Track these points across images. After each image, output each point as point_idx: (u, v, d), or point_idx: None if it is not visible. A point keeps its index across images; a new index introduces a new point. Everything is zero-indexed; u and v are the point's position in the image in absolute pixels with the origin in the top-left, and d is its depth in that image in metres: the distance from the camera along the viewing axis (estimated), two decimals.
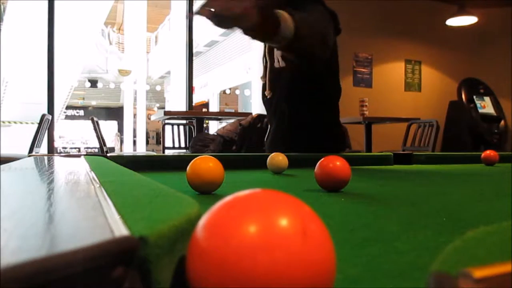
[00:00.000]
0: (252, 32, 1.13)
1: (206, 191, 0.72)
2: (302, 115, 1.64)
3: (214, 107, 14.24)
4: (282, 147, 1.56)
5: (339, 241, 0.37)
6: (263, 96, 1.76)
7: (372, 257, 0.33)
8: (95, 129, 3.67)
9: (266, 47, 1.68)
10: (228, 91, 14.40)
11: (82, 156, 1.02)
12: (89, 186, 0.39)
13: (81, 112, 18.97)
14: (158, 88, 16.80)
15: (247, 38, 1.19)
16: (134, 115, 14.61)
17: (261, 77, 1.78)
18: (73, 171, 0.62)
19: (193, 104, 5.13)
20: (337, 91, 1.70)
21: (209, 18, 1.03)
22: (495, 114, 5.58)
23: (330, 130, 1.70)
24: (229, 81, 12.07)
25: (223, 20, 1.05)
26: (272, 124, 1.80)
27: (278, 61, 1.57)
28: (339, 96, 1.72)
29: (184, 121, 4.37)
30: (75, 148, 16.66)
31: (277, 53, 1.58)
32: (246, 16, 1.06)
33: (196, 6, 1.01)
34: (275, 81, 1.67)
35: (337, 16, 1.52)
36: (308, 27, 1.22)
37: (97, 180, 0.43)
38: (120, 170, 0.64)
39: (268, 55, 1.65)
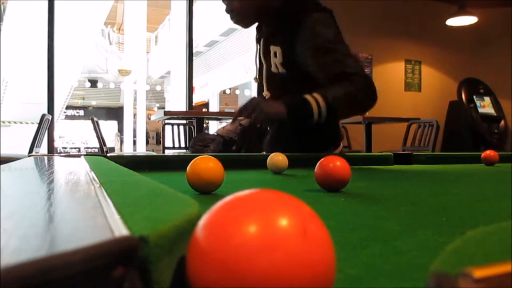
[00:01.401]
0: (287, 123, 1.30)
1: (206, 191, 0.72)
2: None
3: (214, 107, 14.24)
4: (279, 147, 1.50)
5: (339, 241, 0.37)
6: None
7: (372, 257, 0.33)
8: (95, 129, 3.67)
9: (260, 49, 1.62)
10: (228, 91, 14.40)
11: (82, 156, 1.02)
12: (89, 186, 0.39)
13: (81, 112, 18.97)
14: (158, 88, 16.80)
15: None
16: (134, 115, 14.61)
17: (255, 78, 1.74)
18: (73, 171, 0.62)
19: (193, 104, 5.14)
20: None
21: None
22: (495, 114, 5.58)
23: (327, 128, 1.67)
24: (229, 81, 12.08)
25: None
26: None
27: (277, 67, 1.54)
28: None
29: (184, 121, 4.37)
30: (75, 148, 16.65)
31: (275, 60, 1.54)
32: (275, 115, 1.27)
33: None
34: (272, 82, 1.63)
35: (332, 13, 1.50)
36: (342, 102, 1.29)
37: (97, 180, 0.43)
38: (120, 170, 0.64)
39: (264, 59, 1.61)
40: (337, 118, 1.33)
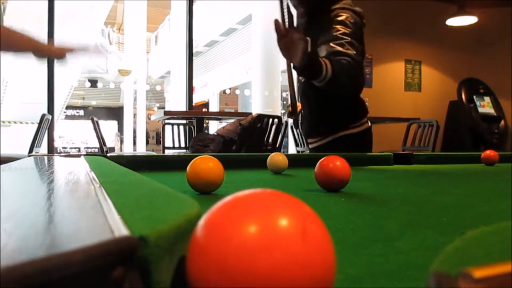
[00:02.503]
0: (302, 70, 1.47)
1: (206, 191, 0.72)
2: (321, 96, 1.78)
3: (214, 107, 14.23)
4: (308, 128, 1.91)
5: (339, 241, 0.37)
6: (298, 81, 2.00)
7: (372, 257, 0.33)
8: (95, 129, 3.66)
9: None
10: (228, 91, 14.39)
11: (82, 156, 1.02)
12: (89, 186, 0.39)
13: (81, 112, 18.96)
14: (158, 88, 16.79)
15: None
16: (134, 115, 14.60)
17: None
18: (73, 171, 0.62)
19: (193, 104, 5.13)
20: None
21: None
22: (495, 114, 5.58)
23: (350, 105, 1.86)
24: (229, 81, 12.06)
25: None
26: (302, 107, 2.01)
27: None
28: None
29: (184, 121, 4.36)
30: (75, 148, 16.65)
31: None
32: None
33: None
34: None
35: (360, 14, 1.75)
36: (342, 74, 1.50)
37: (97, 180, 0.43)
38: (120, 170, 0.64)
39: None
40: (335, 86, 1.53)
